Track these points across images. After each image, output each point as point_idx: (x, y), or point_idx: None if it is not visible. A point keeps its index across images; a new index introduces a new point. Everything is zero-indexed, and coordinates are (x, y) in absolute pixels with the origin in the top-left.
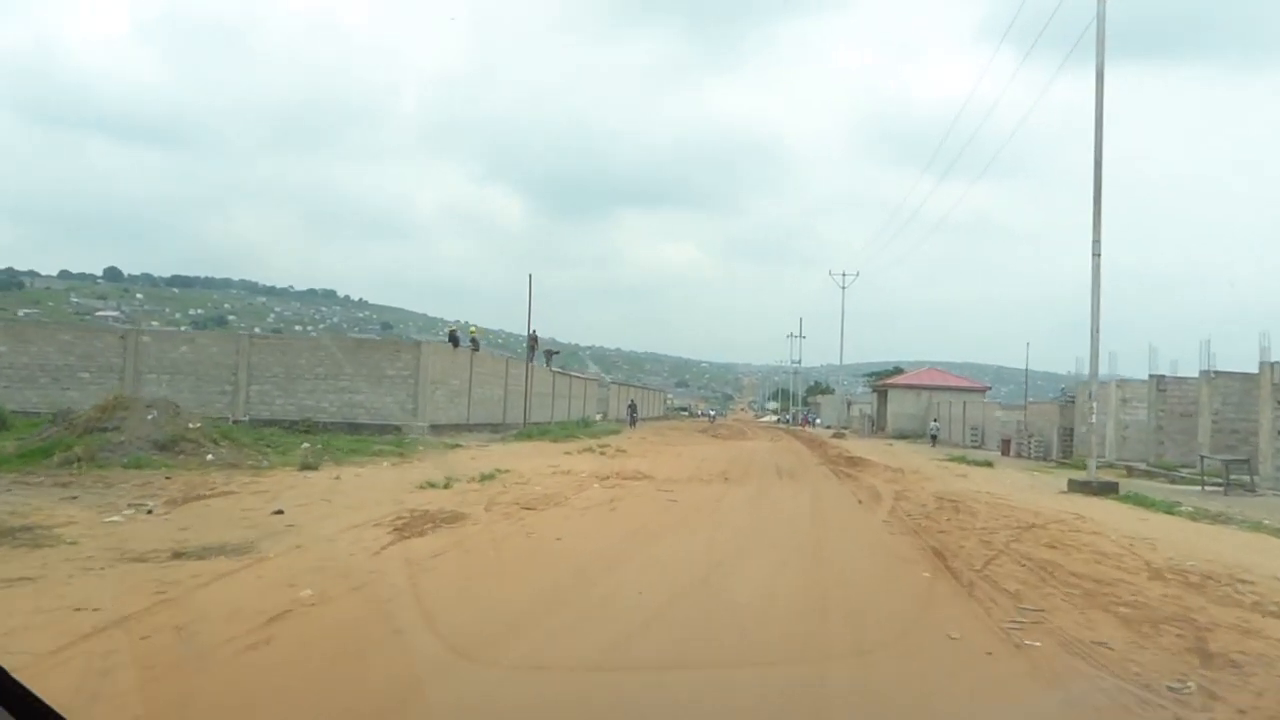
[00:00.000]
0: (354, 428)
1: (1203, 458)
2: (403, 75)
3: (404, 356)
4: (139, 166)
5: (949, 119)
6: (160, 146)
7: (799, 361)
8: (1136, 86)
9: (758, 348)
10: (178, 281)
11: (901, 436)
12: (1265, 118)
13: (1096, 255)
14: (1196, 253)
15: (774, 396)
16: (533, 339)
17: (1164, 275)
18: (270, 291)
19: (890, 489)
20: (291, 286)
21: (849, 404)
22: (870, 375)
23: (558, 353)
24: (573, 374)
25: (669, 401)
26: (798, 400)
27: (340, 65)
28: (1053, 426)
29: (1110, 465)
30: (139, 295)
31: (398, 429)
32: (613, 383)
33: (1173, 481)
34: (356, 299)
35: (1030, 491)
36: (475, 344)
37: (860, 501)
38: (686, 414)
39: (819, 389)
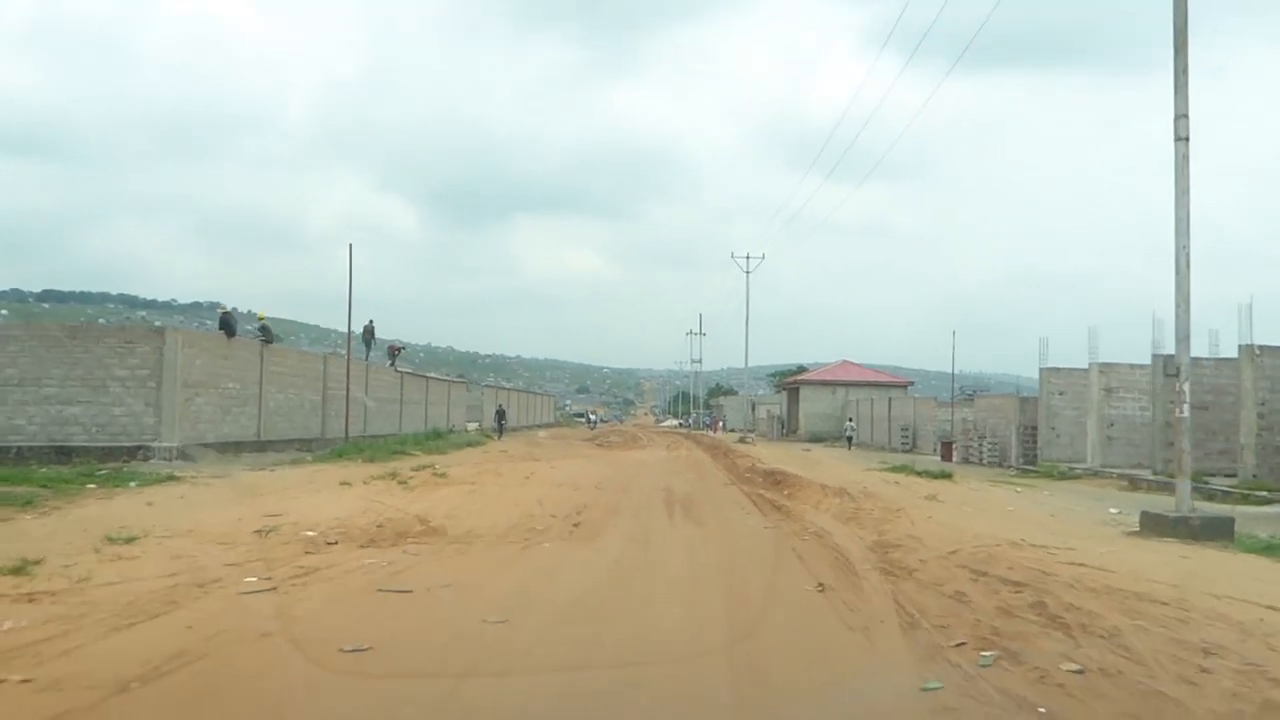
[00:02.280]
0: (64, 453)
1: None
2: (292, 83)
3: (140, 349)
4: (6, 177)
5: (844, 123)
6: (31, 156)
7: (699, 361)
8: (1031, 92)
9: (659, 353)
10: (49, 296)
11: (816, 439)
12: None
13: (1183, 139)
14: (1087, 251)
15: (674, 400)
16: (368, 331)
17: (1057, 274)
18: (151, 305)
19: (854, 537)
20: (174, 300)
21: (754, 405)
22: (775, 375)
23: (403, 348)
24: (429, 376)
25: (568, 407)
26: (699, 403)
27: (227, 72)
28: (1009, 425)
29: (1096, 474)
30: (3, 311)
31: (135, 451)
32: (486, 386)
33: (1213, 496)
34: (245, 311)
35: (1082, 536)
36: (267, 334)
37: (822, 587)
38: (583, 420)
39: (721, 391)
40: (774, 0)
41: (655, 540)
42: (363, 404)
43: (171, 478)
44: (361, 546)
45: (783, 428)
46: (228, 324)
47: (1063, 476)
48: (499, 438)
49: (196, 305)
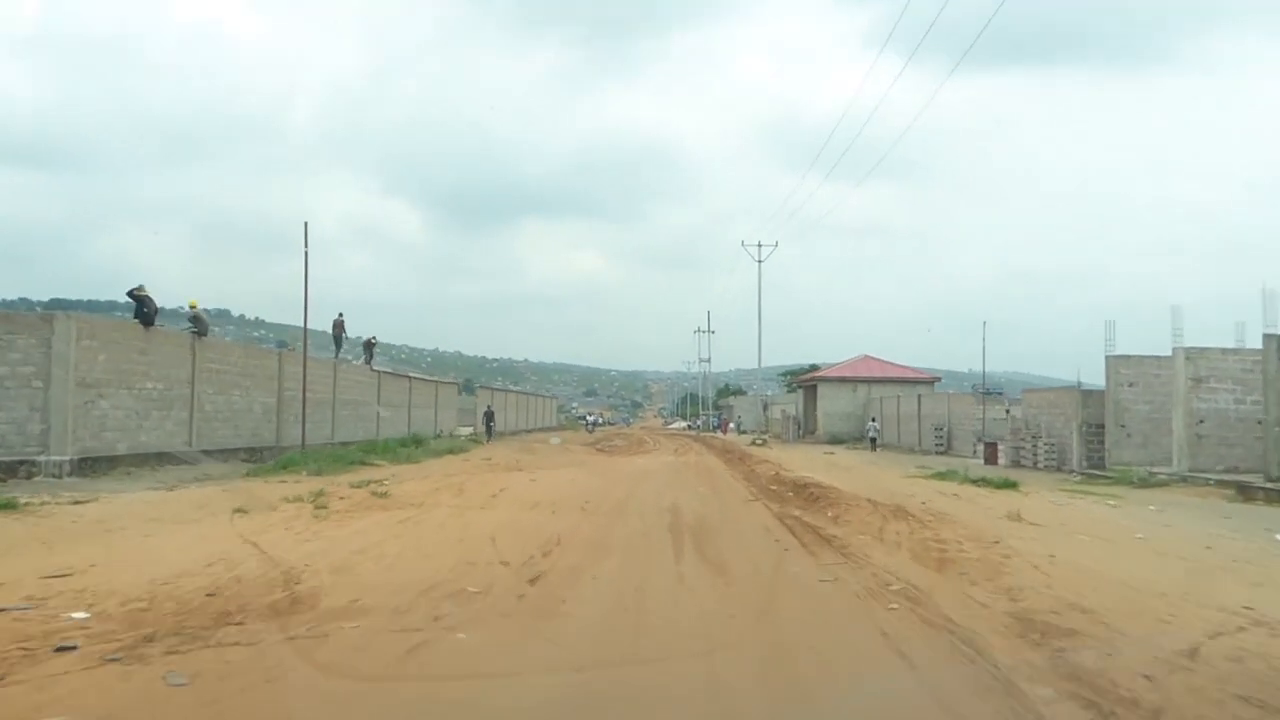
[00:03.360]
0: None
1: None
2: (295, 87)
3: (22, 342)
4: (13, 187)
5: (846, 123)
6: (38, 166)
7: (708, 360)
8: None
9: (665, 355)
10: (56, 305)
11: (836, 441)
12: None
13: None
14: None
15: (682, 402)
16: (338, 326)
17: (1066, 272)
18: (158, 312)
19: (968, 602)
20: (181, 307)
21: (765, 405)
22: (785, 374)
23: (374, 342)
24: (412, 375)
25: (575, 410)
26: (707, 404)
27: (230, 78)
28: (1069, 423)
29: (1185, 480)
30: None
31: (15, 467)
32: (481, 388)
33: None
34: (252, 318)
35: None
36: (199, 325)
37: None
38: (599, 423)
39: (729, 391)
40: (775, 1)
41: (655, 609)
42: (375, 413)
43: (10, 505)
44: (125, 650)
45: (799, 429)
46: (142, 310)
47: (1144, 483)
48: (488, 441)
49: (204, 312)
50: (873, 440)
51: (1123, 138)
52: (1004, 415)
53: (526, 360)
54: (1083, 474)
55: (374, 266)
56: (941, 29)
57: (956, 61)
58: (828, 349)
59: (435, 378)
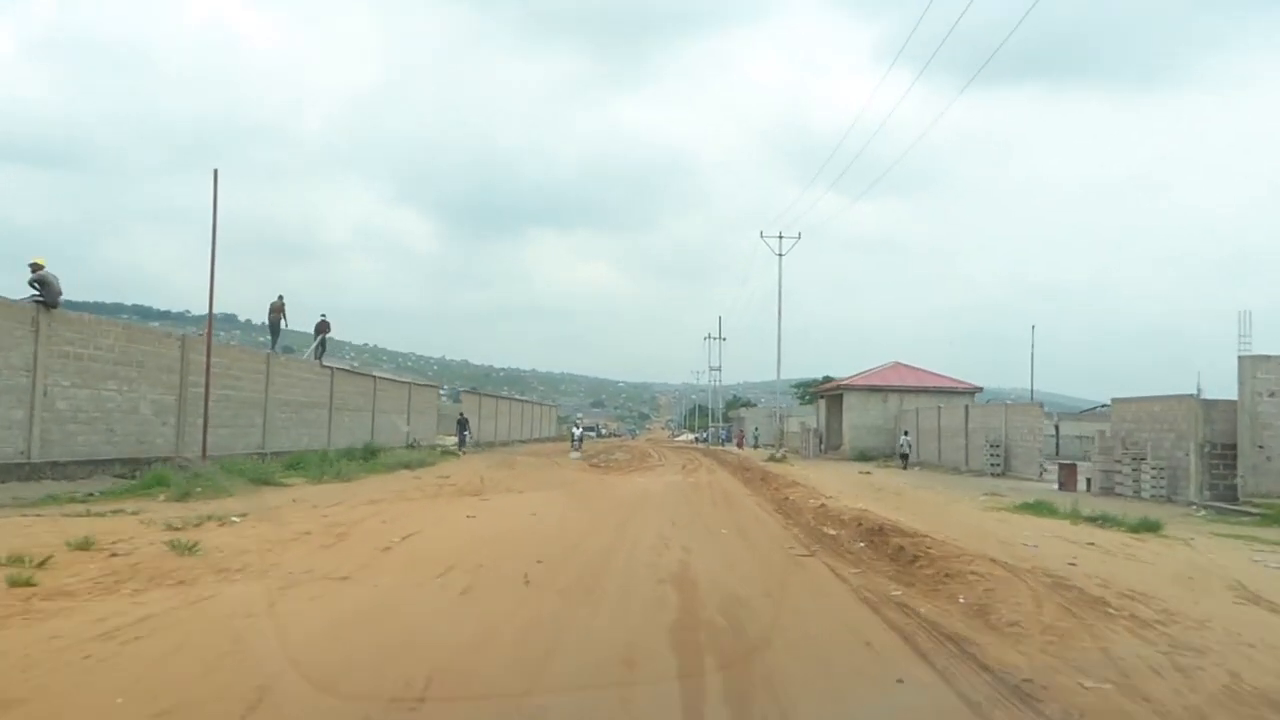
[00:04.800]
0: None
1: None
2: (307, 96)
3: None
4: (27, 190)
5: (857, 136)
6: (51, 168)
7: (718, 369)
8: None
9: (674, 367)
10: (64, 307)
11: (863, 457)
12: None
13: None
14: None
15: (690, 413)
16: (274, 311)
17: (1079, 287)
18: (165, 316)
19: None
20: (188, 311)
21: (781, 417)
22: (798, 386)
23: (328, 326)
24: (378, 375)
25: (580, 420)
26: (716, 416)
27: (244, 85)
28: (1183, 442)
29: None
30: None
31: None
32: (464, 392)
33: None
34: (259, 323)
35: None
36: (45, 290)
37: None
38: (593, 434)
39: (739, 403)
40: (786, 14)
41: None
42: (326, 418)
43: None
44: None
45: (820, 443)
46: (42, 294)
47: None
48: (461, 453)
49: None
50: (904, 457)
51: (1132, 152)
52: (1077, 433)
53: (534, 370)
54: (1205, 506)
55: (382, 273)
56: (954, 43)
57: (970, 78)
58: (838, 364)
59: (408, 380)
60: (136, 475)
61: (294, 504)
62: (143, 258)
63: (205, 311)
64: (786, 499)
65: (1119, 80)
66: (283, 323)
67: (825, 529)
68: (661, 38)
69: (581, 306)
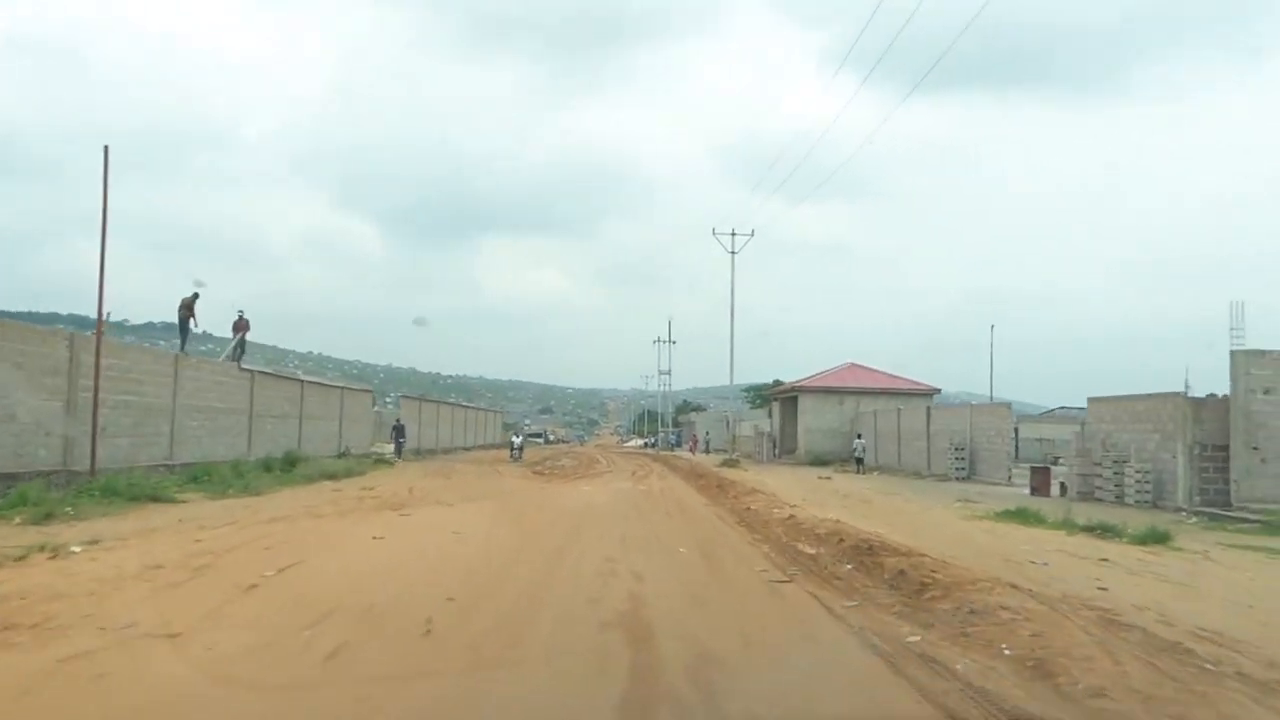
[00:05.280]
0: None
1: None
2: (253, 100)
3: None
4: None
5: (807, 144)
6: None
7: (668, 373)
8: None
9: (623, 374)
10: None
11: (819, 461)
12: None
13: None
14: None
15: (640, 419)
16: (184, 308)
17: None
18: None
19: None
20: (127, 320)
21: (733, 421)
22: (748, 390)
23: (246, 325)
24: (305, 379)
25: (528, 426)
26: (666, 421)
27: (187, 89)
28: (1170, 443)
29: None
30: None
31: None
32: (402, 397)
33: None
34: (200, 331)
35: None
36: None
37: None
38: (540, 441)
39: (689, 408)
40: (738, 22)
41: None
42: (246, 425)
43: None
44: None
45: (775, 447)
46: None
47: None
48: (395, 462)
49: (150, 325)
50: (859, 461)
51: (1079, 160)
52: (1036, 435)
53: (482, 377)
54: (1195, 512)
55: (328, 280)
56: (901, 51)
57: (915, 84)
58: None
59: (339, 384)
60: (12, 493)
61: (178, 525)
62: (82, 265)
63: (142, 321)
64: (749, 509)
65: (1063, 88)
66: (192, 322)
67: (800, 545)
68: (612, 46)
69: (530, 313)
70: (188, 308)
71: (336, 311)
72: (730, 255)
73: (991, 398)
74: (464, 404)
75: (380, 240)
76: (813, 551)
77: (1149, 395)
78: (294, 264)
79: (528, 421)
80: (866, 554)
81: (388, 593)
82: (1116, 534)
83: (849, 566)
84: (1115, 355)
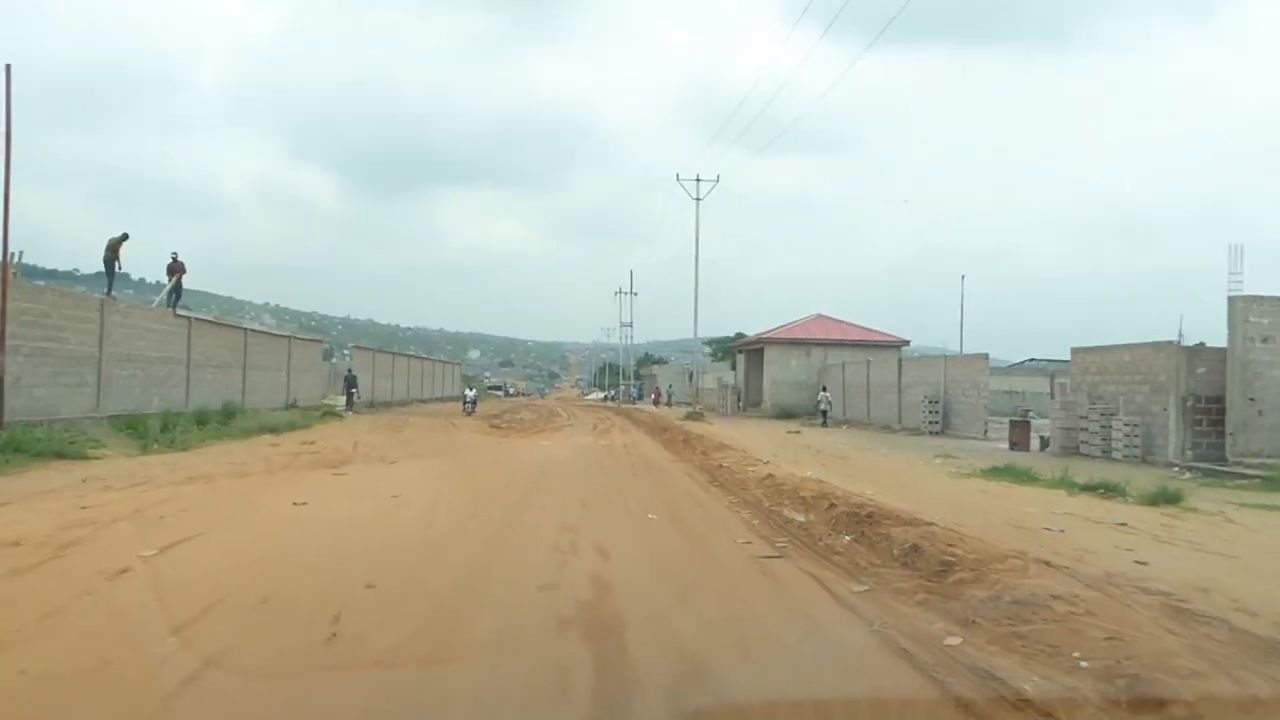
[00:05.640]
0: None
1: None
2: (204, 45)
3: None
4: None
5: (766, 96)
6: None
7: (630, 325)
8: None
9: (584, 326)
10: None
11: (785, 414)
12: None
13: None
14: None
15: (601, 372)
16: (110, 249)
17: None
18: (51, 275)
19: None
20: (76, 270)
21: (691, 374)
22: (711, 343)
23: (181, 268)
24: (249, 328)
25: (488, 379)
26: (628, 374)
27: (135, 33)
28: (1161, 396)
29: None
30: None
31: None
32: (355, 347)
33: None
34: (152, 281)
35: None
36: None
37: None
38: (500, 393)
39: (651, 360)
40: None
41: None
42: (184, 375)
43: None
44: None
45: (739, 400)
46: None
47: None
48: (348, 412)
49: (100, 275)
50: (824, 414)
51: (1032, 117)
52: (1006, 388)
53: (442, 329)
54: (1188, 468)
55: (285, 232)
56: (859, 6)
57: (874, 37)
58: (751, 322)
59: (285, 333)
60: None
61: (81, 485)
62: (26, 213)
63: (93, 270)
64: (720, 466)
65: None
66: (117, 264)
67: (785, 510)
68: None
69: (491, 265)
70: (113, 249)
71: (293, 263)
72: (695, 201)
73: (962, 350)
74: (420, 356)
75: (337, 191)
76: (801, 518)
77: (1138, 344)
78: (249, 215)
79: (488, 374)
80: (866, 522)
81: (293, 578)
82: (1120, 493)
83: (848, 538)
84: (1080, 310)
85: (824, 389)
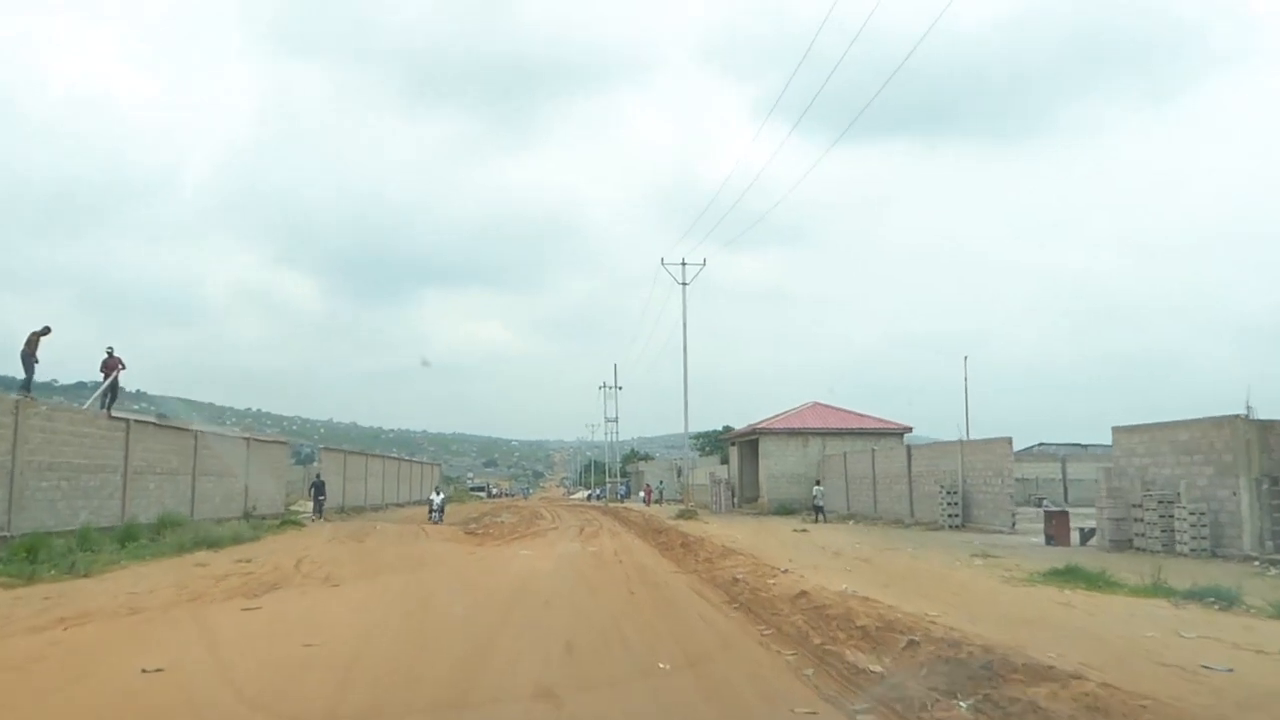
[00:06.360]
0: None
1: None
2: (184, 154)
3: None
4: None
5: (739, 193)
6: None
7: (615, 420)
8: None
9: (568, 425)
10: None
11: (785, 510)
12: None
13: None
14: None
15: (586, 470)
16: (30, 343)
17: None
18: (24, 386)
19: None
20: (55, 380)
21: (686, 469)
22: (697, 437)
23: (119, 365)
24: (197, 429)
25: (470, 480)
26: (613, 471)
27: (115, 143)
28: (1229, 478)
29: None
30: None
31: None
32: (324, 449)
33: None
34: (133, 390)
35: None
36: None
37: None
38: (483, 495)
39: (636, 457)
40: (671, 75)
41: None
42: (119, 484)
43: None
44: None
45: (734, 496)
46: None
47: None
48: (313, 522)
49: (80, 385)
50: (818, 509)
51: (1003, 205)
52: (1018, 475)
53: (425, 431)
54: (1269, 561)
55: (265, 336)
56: (828, 103)
57: (841, 132)
58: (737, 415)
59: (244, 435)
60: None
61: None
62: (4, 321)
63: (72, 380)
64: (734, 580)
65: (987, 134)
66: (35, 360)
67: (844, 651)
68: (548, 99)
69: (473, 366)
70: (31, 344)
71: (275, 368)
72: (681, 286)
73: (968, 435)
74: (395, 456)
75: (318, 295)
76: (874, 665)
77: (1197, 420)
78: (229, 320)
79: (470, 475)
80: (988, 682)
81: None
82: (1237, 602)
83: (964, 705)
84: (1066, 394)
85: (818, 483)
